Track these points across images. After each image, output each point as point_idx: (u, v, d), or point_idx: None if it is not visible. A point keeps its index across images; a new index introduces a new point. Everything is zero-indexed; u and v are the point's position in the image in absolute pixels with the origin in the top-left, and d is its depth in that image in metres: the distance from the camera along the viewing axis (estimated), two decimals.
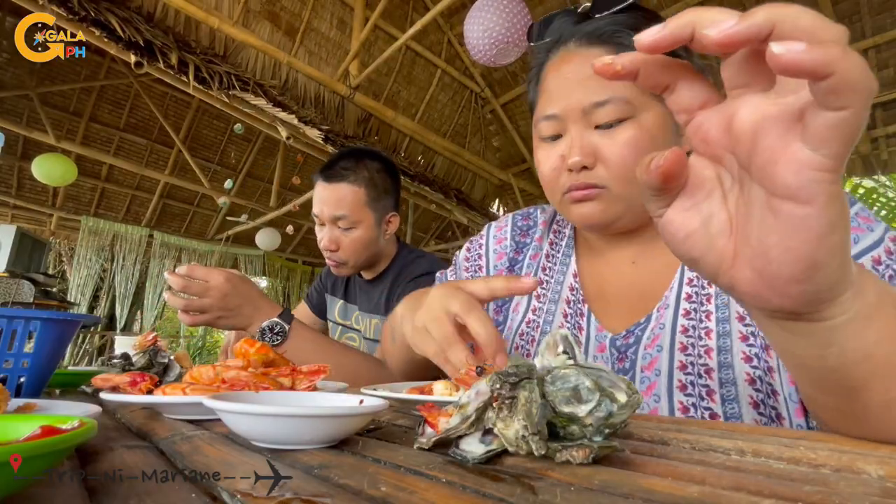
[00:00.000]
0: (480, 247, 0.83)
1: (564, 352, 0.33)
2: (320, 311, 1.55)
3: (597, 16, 0.62)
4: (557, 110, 0.61)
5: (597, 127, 0.59)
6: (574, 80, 0.60)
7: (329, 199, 1.25)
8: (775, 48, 0.21)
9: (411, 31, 3.09)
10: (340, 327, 1.47)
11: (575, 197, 0.61)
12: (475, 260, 0.83)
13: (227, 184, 5.13)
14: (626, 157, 0.57)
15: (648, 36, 0.25)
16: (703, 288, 0.60)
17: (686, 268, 0.61)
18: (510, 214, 0.84)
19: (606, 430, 0.29)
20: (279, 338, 0.88)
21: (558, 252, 0.76)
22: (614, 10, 0.61)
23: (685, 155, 0.28)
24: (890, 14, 3.09)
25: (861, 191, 5.05)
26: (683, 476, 0.25)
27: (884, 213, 4.86)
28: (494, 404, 0.30)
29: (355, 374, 0.88)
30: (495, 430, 0.30)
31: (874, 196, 4.96)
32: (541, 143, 0.65)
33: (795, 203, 0.24)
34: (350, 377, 0.83)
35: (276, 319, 0.88)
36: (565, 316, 0.69)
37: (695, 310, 0.59)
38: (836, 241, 0.25)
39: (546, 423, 0.29)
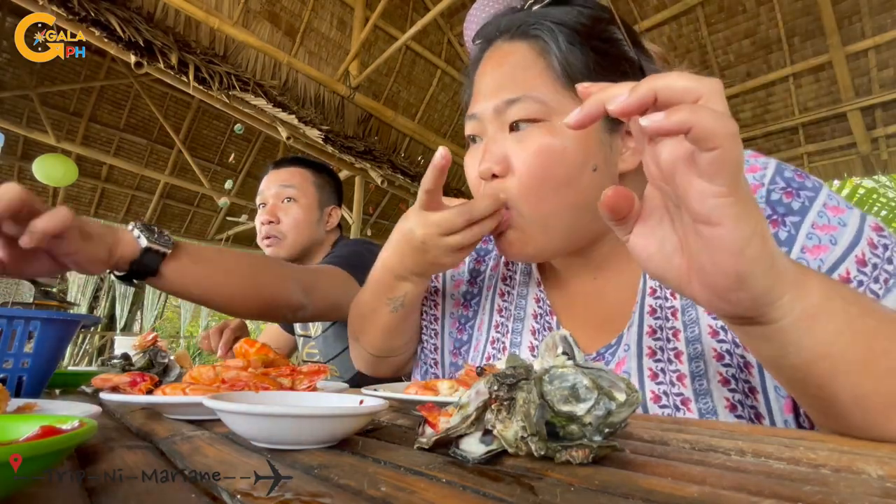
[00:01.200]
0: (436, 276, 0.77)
1: (564, 352, 0.33)
2: (289, 327, 1.55)
3: (521, 8, 0.58)
4: (476, 110, 0.56)
5: (511, 129, 0.53)
6: (491, 76, 0.56)
7: (277, 177, 1.33)
8: (642, 121, 0.28)
9: (411, 31, 3.09)
10: (302, 338, 1.46)
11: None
12: (433, 281, 0.77)
13: (227, 184, 5.13)
14: (533, 167, 0.51)
15: (574, 118, 0.32)
16: (667, 300, 0.54)
17: (647, 293, 0.55)
18: None
19: (606, 430, 0.29)
20: (165, 237, 0.70)
21: (516, 272, 0.70)
22: (541, 4, 0.57)
23: (626, 190, 0.33)
24: (890, 14, 3.09)
25: (861, 191, 5.05)
26: (683, 476, 0.25)
27: (884, 213, 4.86)
28: (493, 406, 0.30)
29: (265, 279, 0.81)
30: (494, 432, 0.30)
31: (874, 196, 4.96)
32: (469, 146, 0.60)
33: (708, 226, 0.29)
34: (259, 281, 0.79)
35: (137, 221, 0.71)
36: (533, 332, 0.64)
37: (660, 327, 0.53)
38: (752, 253, 0.29)
39: (545, 423, 0.29)
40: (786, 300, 0.31)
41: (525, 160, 0.52)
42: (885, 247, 0.43)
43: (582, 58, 0.52)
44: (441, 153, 0.53)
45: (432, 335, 0.76)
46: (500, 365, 0.33)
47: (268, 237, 1.30)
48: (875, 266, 0.42)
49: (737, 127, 0.28)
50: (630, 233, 0.35)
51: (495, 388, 0.30)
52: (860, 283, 0.42)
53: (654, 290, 0.55)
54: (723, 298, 0.32)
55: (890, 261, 0.43)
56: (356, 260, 1.09)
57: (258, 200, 1.36)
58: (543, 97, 0.51)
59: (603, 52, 0.53)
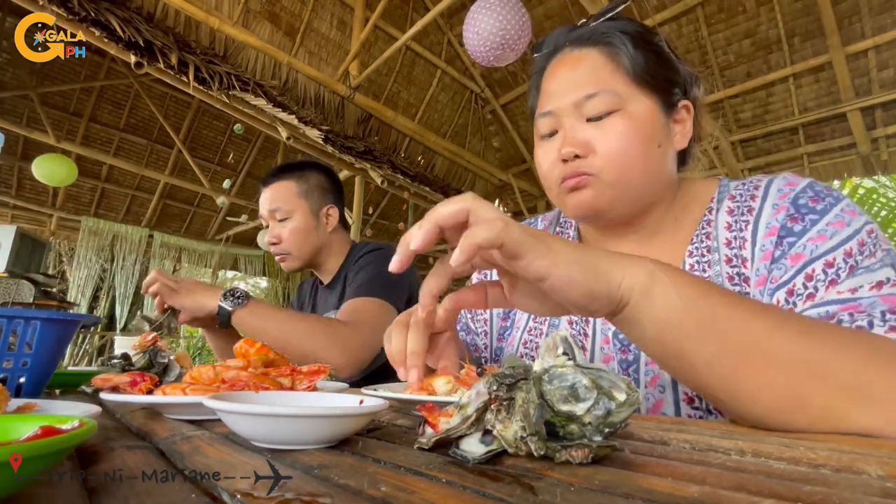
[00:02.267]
0: None
1: (564, 353, 0.33)
2: None
3: (590, 23, 0.68)
4: (552, 107, 0.65)
5: (588, 120, 0.62)
6: (566, 77, 0.65)
7: (266, 198, 1.37)
8: (454, 266, 0.39)
9: (411, 31, 3.09)
10: None
11: (569, 185, 0.63)
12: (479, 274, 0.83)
13: (226, 184, 5.13)
14: (616, 145, 0.60)
15: (396, 264, 0.41)
16: (704, 272, 0.61)
17: (687, 261, 0.63)
18: None
19: (606, 430, 0.29)
20: (243, 298, 0.98)
21: None
22: (604, 17, 0.68)
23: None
24: (890, 14, 3.09)
25: (861, 191, 5.05)
26: (683, 476, 0.25)
27: (884, 213, 4.86)
28: (492, 406, 0.30)
29: (316, 342, 0.97)
30: (494, 433, 0.30)
31: (874, 196, 4.95)
32: (540, 143, 0.68)
33: (542, 283, 0.39)
34: (311, 344, 0.93)
35: (234, 286, 0.98)
36: (570, 322, 0.69)
37: None
38: (577, 275, 0.39)
39: (545, 423, 0.29)
40: (624, 284, 0.40)
41: (609, 141, 0.61)
42: (866, 244, 0.50)
43: (644, 58, 0.63)
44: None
45: (482, 323, 0.82)
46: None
47: (277, 255, 1.37)
48: (854, 258, 0.49)
49: (497, 214, 0.39)
50: (513, 301, 0.46)
51: (494, 388, 0.30)
52: (839, 268, 0.49)
53: (693, 266, 0.62)
54: (588, 313, 0.42)
55: (863, 254, 0.49)
56: (386, 278, 1.19)
57: (260, 218, 1.41)
58: (617, 90, 0.62)
59: (657, 53, 0.65)
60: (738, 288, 0.57)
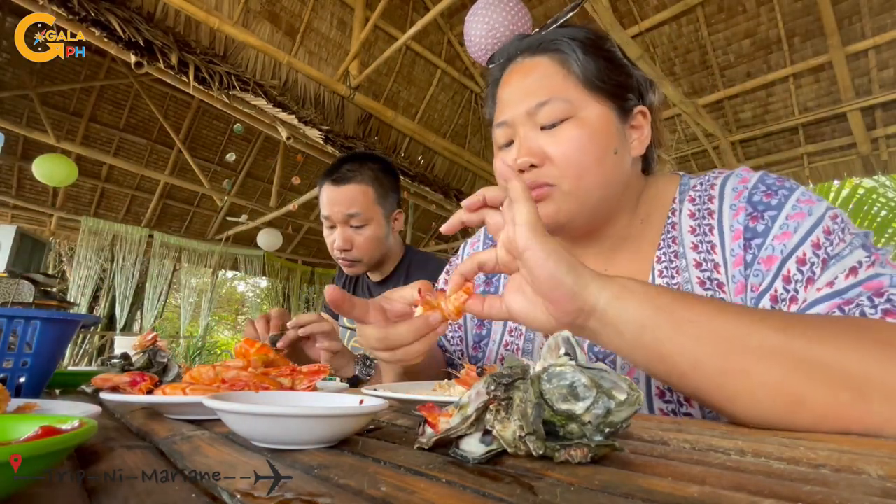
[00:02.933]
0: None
1: (566, 353, 0.33)
2: (334, 315, 1.58)
3: (542, 31, 0.68)
4: (506, 117, 0.65)
5: (542, 128, 0.62)
6: (518, 86, 0.65)
7: (340, 199, 1.28)
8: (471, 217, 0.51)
9: (411, 31, 3.09)
10: (349, 331, 1.50)
11: None
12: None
13: (225, 184, 5.13)
14: (571, 153, 0.60)
15: (445, 226, 0.51)
16: (673, 278, 0.61)
17: (657, 275, 0.62)
18: (481, 230, 0.86)
19: (607, 430, 0.29)
20: (374, 364, 1.03)
21: None
22: (554, 25, 0.68)
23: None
24: (890, 14, 3.09)
25: (861, 191, 5.04)
26: (683, 476, 0.25)
27: (884, 213, 4.85)
28: (491, 406, 0.30)
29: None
30: (494, 433, 0.30)
31: (874, 196, 4.95)
32: (498, 153, 0.68)
33: (521, 255, 0.44)
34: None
35: (362, 352, 1.05)
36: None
37: None
38: (552, 264, 0.42)
39: (545, 422, 0.29)
40: (593, 287, 0.43)
41: (563, 149, 0.60)
42: (833, 231, 0.50)
43: (594, 64, 0.63)
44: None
45: (456, 328, 0.84)
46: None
47: (345, 260, 1.34)
48: (824, 250, 0.49)
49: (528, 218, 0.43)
50: (505, 301, 0.49)
51: (492, 388, 0.30)
52: (812, 264, 0.49)
53: (662, 272, 0.62)
54: (557, 305, 0.44)
55: (832, 243, 0.49)
56: None
57: (322, 213, 1.33)
58: (569, 97, 0.61)
59: (609, 58, 0.65)
60: (710, 293, 0.57)
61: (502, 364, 0.35)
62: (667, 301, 0.41)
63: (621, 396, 0.29)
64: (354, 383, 1.04)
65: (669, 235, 0.63)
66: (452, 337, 0.84)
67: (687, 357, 0.40)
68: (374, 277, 1.41)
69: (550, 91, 0.61)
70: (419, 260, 1.40)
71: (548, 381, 0.30)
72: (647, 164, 0.70)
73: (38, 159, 4.02)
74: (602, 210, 0.64)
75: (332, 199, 1.29)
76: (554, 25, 0.68)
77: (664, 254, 0.63)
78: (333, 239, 1.31)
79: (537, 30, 0.70)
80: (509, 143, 0.65)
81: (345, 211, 1.27)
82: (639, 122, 0.66)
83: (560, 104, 0.60)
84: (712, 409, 0.43)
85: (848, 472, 0.26)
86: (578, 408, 0.29)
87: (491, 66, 0.73)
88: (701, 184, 0.64)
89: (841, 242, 0.49)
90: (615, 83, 0.63)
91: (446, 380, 0.61)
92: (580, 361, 0.31)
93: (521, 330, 0.74)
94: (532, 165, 0.61)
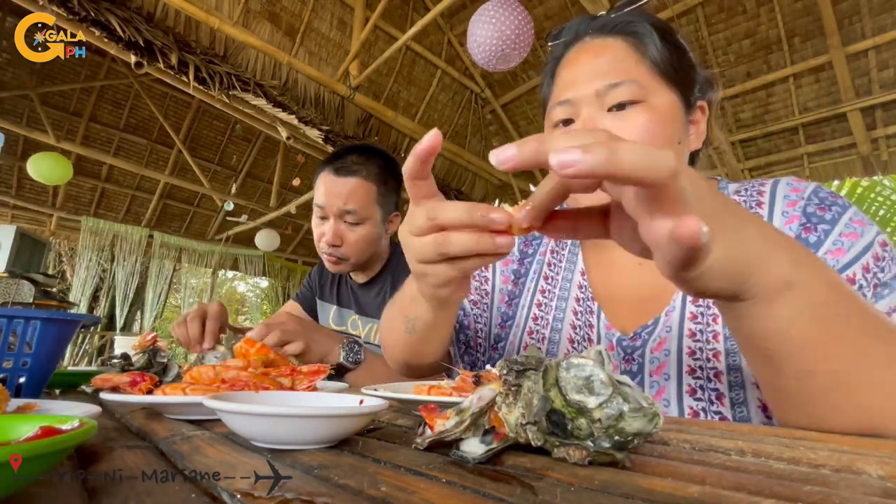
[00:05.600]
0: None
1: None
2: (312, 312, 1.49)
3: (611, 13, 0.66)
4: (570, 95, 0.62)
5: (609, 110, 0.60)
6: (589, 66, 0.62)
7: (339, 192, 1.18)
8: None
9: (411, 31, 3.09)
10: (335, 308, 1.43)
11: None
12: (481, 270, 0.81)
13: (233, 189, 5.12)
14: (641, 135, 0.58)
15: (503, 160, 0.30)
16: (709, 307, 0.59)
17: None
18: None
19: (616, 437, 0.28)
20: (360, 355, 0.98)
21: (563, 249, 0.77)
22: (629, 7, 0.66)
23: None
24: (890, 14, 3.09)
25: (860, 190, 5.04)
26: (683, 476, 0.25)
27: (882, 212, 4.86)
28: (502, 389, 0.31)
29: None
30: (500, 415, 0.30)
31: (873, 194, 4.94)
32: (552, 132, 0.64)
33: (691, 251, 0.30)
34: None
35: (351, 336, 1.00)
36: (575, 314, 0.69)
37: (702, 313, 0.59)
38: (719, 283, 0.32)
39: (554, 411, 0.29)
40: (763, 277, 0.33)
41: (633, 131, 0.58)
42: (883, 259, 0.50)
43: (668, 51, 0.62)
44: (430, 135, 0.40)
45: (483, 308, 0.80)
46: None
47: (331, 255, 1.23)
48: (874, 275, 0.49)
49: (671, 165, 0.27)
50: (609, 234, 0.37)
51: (504, 372, 0.31)
52: (861, 286, 0.48)
53: None
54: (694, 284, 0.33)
55: (882, 270, 0.49)
56: None
57: (318, 201, 1.22)
58: (642, 82, 0.59)
59: (679, 49, 0.64)
60: None
61: (524, 352, 0.34)
62: (823, 311, 0.35)
63: (636, 405, 0.28)
64: (339, 372, 0.97)
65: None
66: (476, 315, 0.79)
67: (802, 369, 0.36)
68: (359, 279, 1.34)
69: (624, 73, 0.59)
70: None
71: (566, 370, 0.30)
72: (691, 162, 0.69)
73: (33, 158, 3.99)
74: None
75: (331, 189, 1.19)
76: (627, 9, 0.66)
77: None
78: (323, 231, 1.21)
79: (605, 11, 0.68)
80: (567, 122, 0.63)
81: (342, 205, 1.18)
82: (697, 116, 0.65)
83: (633, 87, 0.59)
84: (777, 411, 0.41)
85: (848, 472, 0.26)
86: (591, 402, 0.29)
87: (551, 43, 0.71)
88: (746, 189, 0.63)
89: (889, 272, 0.49)
90: (685, 74, 0.63)
91: (445, 380, 0.61)
92: (606, 369, 0.31)
93: (547, 318, 0.71)
94: None
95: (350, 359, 0.97)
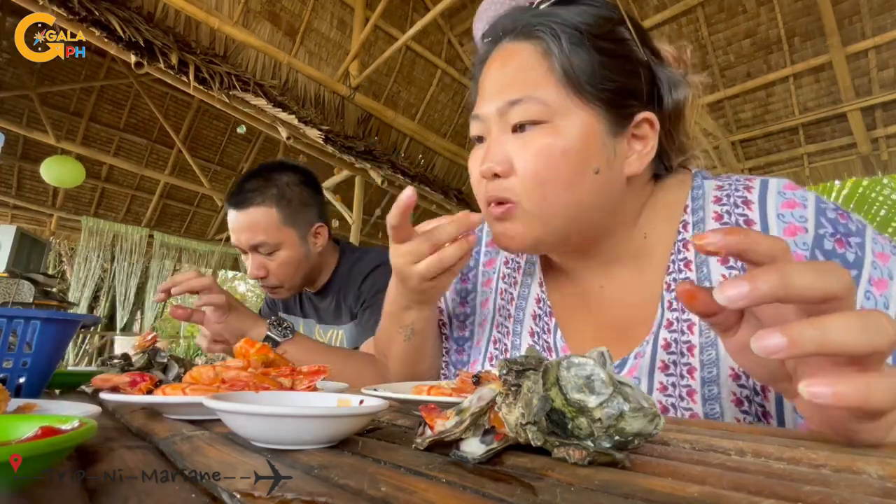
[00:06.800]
0: None
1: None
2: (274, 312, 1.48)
3: (529, 6, 0.58)
4: (480, 110, 0.56)
5: (514, 130, 0.53)
6: (496, 77, 0.55)
7: (242, 226, 1.14)
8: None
9: (411, 31, 3.09)
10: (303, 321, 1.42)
11: (494, 213, 0.55)
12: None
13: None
14: (535, 166, 0.51)
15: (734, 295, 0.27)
16: (683, 333, 0.52)
17: (666, 307, 0.53)
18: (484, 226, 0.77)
19: (616, 437, 0.28)
20: (289, 331, 0.94)
21: (516, 269, 0.70)
22: (547, 3, 0.56)
23: (694, 288, 0.33)
24: (890, 14, 3.09)
25: (860, 189, 5.04)
26: (683, 476, 0.25)
27: (883, 212, 4.86)
28: (502, 389, 0.31)
29: (359, 375, 0.90)
30: (500, 415, 0.30)
31: (877, 188, 4.93)
32: (473, 147, 0.60)
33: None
34: (353, 378, 0.83)
35: (281, 316, 0.93)
36: (532, 335, 0.64)
37: (674, 362, 0.52)
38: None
39: (554, 410, 0.29)
40: None
41: (528, 161, 0.51)
42: None
43: (587, 59, 0.51)
44: (407, 193, 0.54)
45: (445, 339, 0.77)
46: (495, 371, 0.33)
47: (265, 287, 1.23)
48: None
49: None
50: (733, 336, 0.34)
51: (504, 372, 0.31)
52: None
53: (672, 305, 0.53)
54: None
55: None
56: None
57: (232, 240, 1.19)
58: (546, 98, 0.51)
59: (610, 53, 0.53)
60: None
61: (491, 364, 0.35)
62: None
63: (637, 405, 0.28)
64: (273, 343, 0.94)
65: (681, 258, 0.54)
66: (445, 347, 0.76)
67: None
68: (310, 288, 1.32)
69: (526, 88, 0.52)
70: (353, 261, 1.27)
71: (566, 369, 0.30)
72: (664, 165, 0.59)
73: (46, 161, 4.06)
74: (577, 233, 0.55)
75: (234, 226, 1.15)
76: (549, 2, 0.56)
77: (674, 279, 0.53)
78: (248, 266, 1.20)
79: (534, 2, 0.57)
80: (480, 139, 0.58)
81: (249, 239, 1.13)
82: (643, 131, 0.54)
83: (534, 105, 0.51)
84: None
85: (848, 472, 0.26)
86: (592, 401, 0.28)
87: (480, 43, 0.63)
88: (729, 184, 0.54)
89: None
90: (612, 85, 0.52)
91: (443, 381, 0.61)
92: (608, 369, 0.31)
93: (505, 343, 0.67)
94: (496, 175, 0.53)
95: (279, 333, 0.94)
